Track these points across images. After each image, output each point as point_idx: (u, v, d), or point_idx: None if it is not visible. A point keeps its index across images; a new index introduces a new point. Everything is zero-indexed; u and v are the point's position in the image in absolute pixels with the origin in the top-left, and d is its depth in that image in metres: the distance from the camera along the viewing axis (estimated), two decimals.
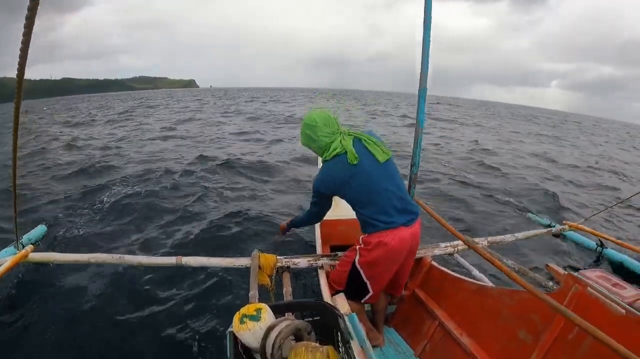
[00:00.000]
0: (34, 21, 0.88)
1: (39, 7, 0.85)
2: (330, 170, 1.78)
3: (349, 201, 1.80)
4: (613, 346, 1.11)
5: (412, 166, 2.16)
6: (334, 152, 1.74)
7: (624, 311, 1.27)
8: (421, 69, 2.00)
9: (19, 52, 0.96)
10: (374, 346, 1.89)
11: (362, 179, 1.71)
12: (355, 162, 1.70)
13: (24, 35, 0.91)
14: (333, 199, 3.20)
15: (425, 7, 1.92)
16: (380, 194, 1.71)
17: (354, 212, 1.81)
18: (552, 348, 1.48)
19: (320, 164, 4.44)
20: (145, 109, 25.38)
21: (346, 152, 1.72)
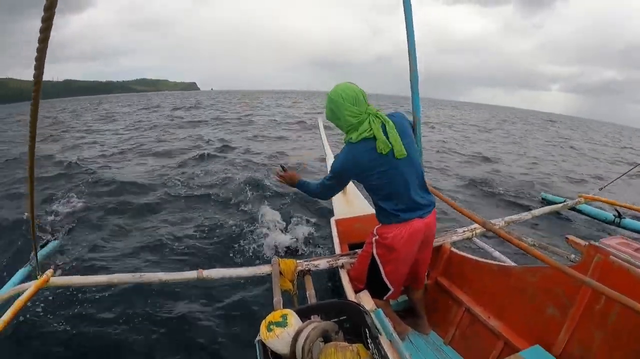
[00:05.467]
0: (51, 23, 0.75)
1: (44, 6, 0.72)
2: (355, 154, 1.63)
3: (368, 189, 1.73)
4: None
5: None
6: (362, 136, 1.59)
7: None
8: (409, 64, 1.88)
9: (36, 54, 0.81)
10: (402, 338, 1.90)
11: (387, 170, 1.62)
12: (385, 152, 1.59)
13: (41, 31, 0.76)
14: (346, 197, 3.21)
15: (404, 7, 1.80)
16: (402, 186, 1.65)
17: (369, 208, 1.76)
18: (581, 321, 1.47)
19: (322, 129, 4.33)
20: None
21: (375, 137, 1.58)
